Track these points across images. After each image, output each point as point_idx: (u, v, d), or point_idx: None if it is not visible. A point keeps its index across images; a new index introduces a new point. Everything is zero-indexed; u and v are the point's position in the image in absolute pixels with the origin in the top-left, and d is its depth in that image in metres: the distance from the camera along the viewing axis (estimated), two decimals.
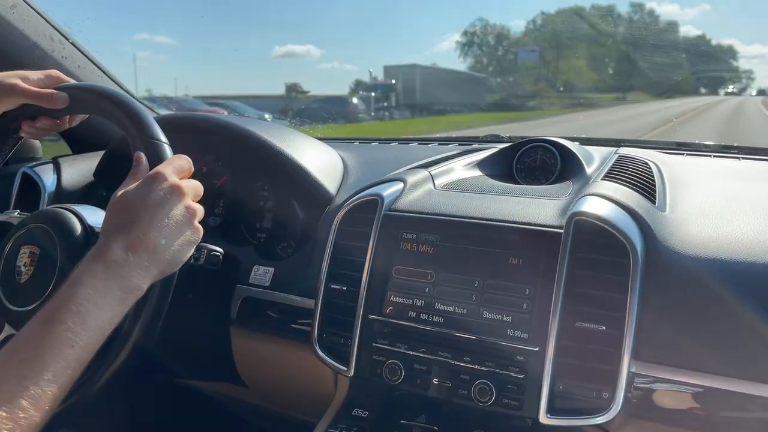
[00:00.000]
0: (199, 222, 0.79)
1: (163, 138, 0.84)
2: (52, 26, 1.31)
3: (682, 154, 1.30)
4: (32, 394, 0.59)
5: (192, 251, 0.79)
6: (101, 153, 1.31)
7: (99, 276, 0.68)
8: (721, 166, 1.21)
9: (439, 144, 1.52)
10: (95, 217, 0.91)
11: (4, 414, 0.57)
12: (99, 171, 1.30)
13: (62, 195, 1.28)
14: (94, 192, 1.31)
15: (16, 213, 1.07)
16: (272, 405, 1.24)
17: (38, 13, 1.27)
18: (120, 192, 0.76)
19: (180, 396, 1.39)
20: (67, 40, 1.35)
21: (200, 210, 0.79)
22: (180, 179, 0.78)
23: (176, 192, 0.75)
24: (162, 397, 1.47)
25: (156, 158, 0.81)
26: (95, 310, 0.66)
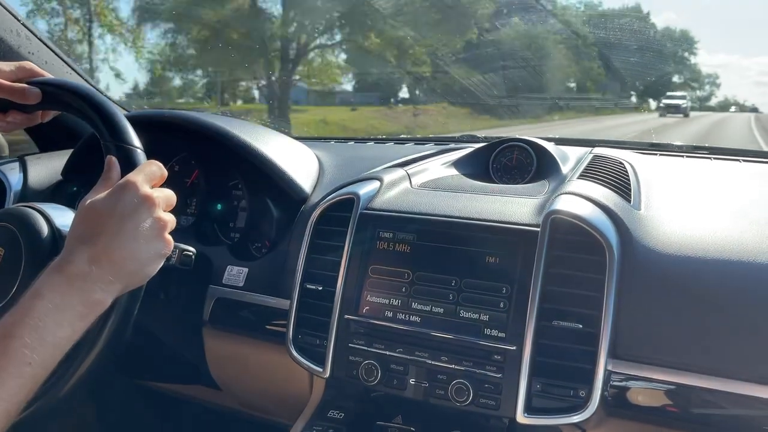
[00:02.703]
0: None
1: (136, 143, 0.82)
2: (19, 21, 1.28)
3: (656, 154, 1.31)
4: None
5: (161, 264, 0.76)
6: (69, 152, 1.28)
7: (59, 289, 0.66)
8: (693, 167, 1.23)
9: (416, 143, 1.52)
10: (63, 218, 0.88)
11: None
12: (67, 170, 1.26)
13: (29, 194, 1.24)
14: (63, 191, 1.27)
15: None
16: (246, 408, 1.23)
17: (4, 7, 1.24)
18: (88, 201, 0.73)
19: (152, 399, 1.36)
20: (35, 35, 1.31)
21: (171, 221, 0.76)
22: (152, 187, 0.76)
23: (147, 203, 0.73)
24: (133, 401, 1.44)
25: (128, 164, 0.79)
26: (53, 326, 0.64)
